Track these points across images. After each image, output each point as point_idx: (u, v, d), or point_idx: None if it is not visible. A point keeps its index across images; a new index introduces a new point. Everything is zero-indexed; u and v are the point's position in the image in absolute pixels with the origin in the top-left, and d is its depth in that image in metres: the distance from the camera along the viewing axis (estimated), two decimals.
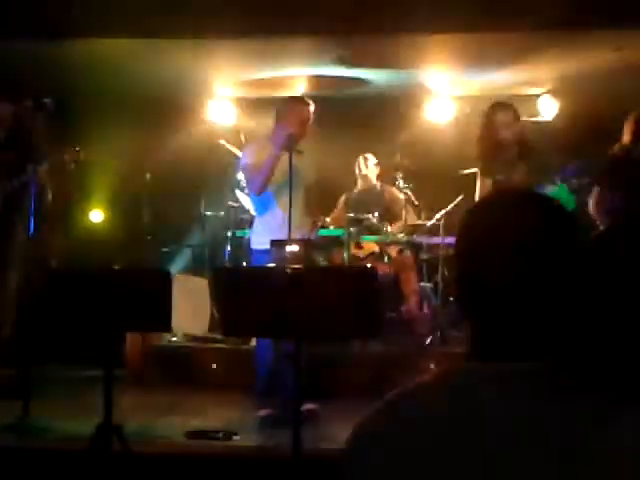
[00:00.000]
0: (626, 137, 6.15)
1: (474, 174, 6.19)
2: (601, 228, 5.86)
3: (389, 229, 7.88)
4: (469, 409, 1.24)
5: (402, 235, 7.90)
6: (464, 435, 1.22)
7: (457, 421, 1.24)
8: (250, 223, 7.99)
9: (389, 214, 8.09)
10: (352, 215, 7.83)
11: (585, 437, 1.15)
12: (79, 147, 6.39)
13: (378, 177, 8.48)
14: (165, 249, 8.81)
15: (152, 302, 4.09)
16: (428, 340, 7.42)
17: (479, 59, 7.76)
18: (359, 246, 7.87)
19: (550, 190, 5.68)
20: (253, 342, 7.27)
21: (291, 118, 6.00)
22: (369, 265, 7.27)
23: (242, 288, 4.00)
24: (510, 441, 1.19)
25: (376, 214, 7.88)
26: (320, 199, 6.77)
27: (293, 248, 6.49)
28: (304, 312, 3.81)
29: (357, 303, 3.77)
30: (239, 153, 8.15)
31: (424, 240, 7.97)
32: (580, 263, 1.28)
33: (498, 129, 5.86)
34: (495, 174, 5.92)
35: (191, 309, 7.35)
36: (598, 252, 1.33)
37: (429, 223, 7.87)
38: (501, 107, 5.92)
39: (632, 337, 1.30)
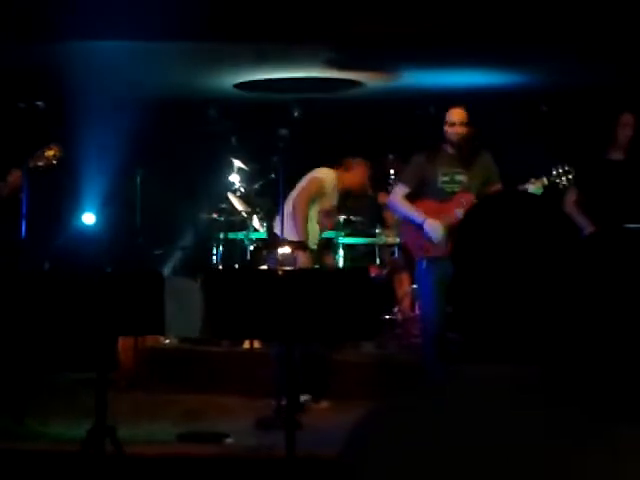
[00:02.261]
0: (626, 134, 6.26)
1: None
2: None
3: (380, 231, 7.89)
4: (467, 412, 1.24)
5: (394, 237, 7.91)
6: (461, 439, 1.23)
7: (455, 424, 1.24)
8: (242, 225, 8.01)
9: (382, 218, 8.10)
10: (344, 217, 7.82)
11: (566, 450, 1.16)
12: (64, 147, 6.38)
13: (368, 179, 8.48)
14: (157, 251, 8.80)
15: (145, 305, 4.09)
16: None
17: None
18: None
19: (533, 188, 5.76)
20: (246, 344, 7.27)
21: None
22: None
23: (234, 290, 4.00)
24: (507, 446, 1.19)
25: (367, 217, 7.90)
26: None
27: (285, 250, 6.50)
28: (296, 314, 3.81)
29: (350, 305, 3.78)
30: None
31: None
32: (579, 268, 1.28)
33: (446, 129, 5.96)
34: (417, 181, 6.05)
35: (183, 311, 7.32)
36: (594, 257, 1.33)
37: None
38: (451, 108, 6.00)
39: (624, 353, 1.31)
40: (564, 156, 6.16)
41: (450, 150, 5.96)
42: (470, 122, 5.93)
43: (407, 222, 6.11)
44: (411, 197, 6.05)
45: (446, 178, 5.94)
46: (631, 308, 1.33)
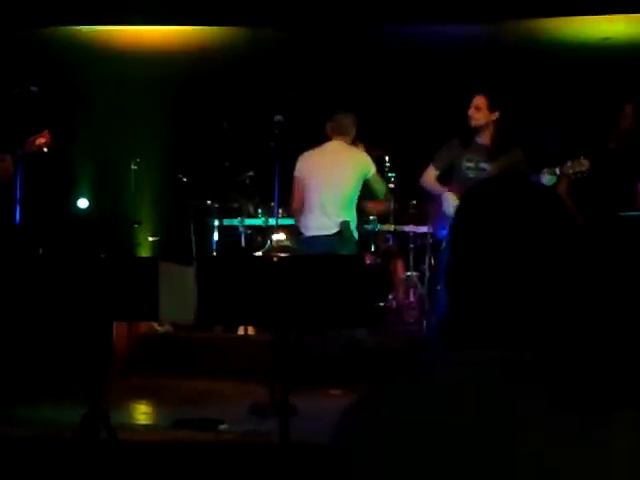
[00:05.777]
0: (625, 124, 6.28)
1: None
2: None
3: (374, 218, 7.88)
4: (459, 397, 1.24)
5: (389, 224, 7.91)
6: (451, 423, 1.22)
7: (446, 408, 1.24)
8: (238, 212, 8.01)
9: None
10: None
11: (567, 438, 1.16)
12: (59, 132, 6.37)
13: None
14: (152, 237, 8.79)
15: (139, 291, 4.08)
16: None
17: None
18: None
19: (545, 179, 5.78)
20: (240, 331, 7.28)
21: None
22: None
23: (228, 276, 3.99)
24: (500, 431, 1.19)
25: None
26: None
27: (280, 236, 6.50)
28: (291, 301, 3.81)
29: (345, 292, 3.78)
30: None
31: (411, 229, 7.97)
32: (574, 255, 1.28)
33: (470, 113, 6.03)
34: (446, 164, 6.18)
35: (177, 297, 7.31)
36: (590, 245, 1.33)
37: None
38: (476, 95, 6.06)
39: (621, 340, 1.31)
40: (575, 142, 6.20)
41: (479, 138, 6.02)
42: (492, 108, 5.97)
43: (434, 205, 6.23)
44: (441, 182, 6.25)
45: (470, 164, 6.02)
46: (626, 294, 1.33)
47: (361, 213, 7.43)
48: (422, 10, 7.49)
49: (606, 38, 8.05)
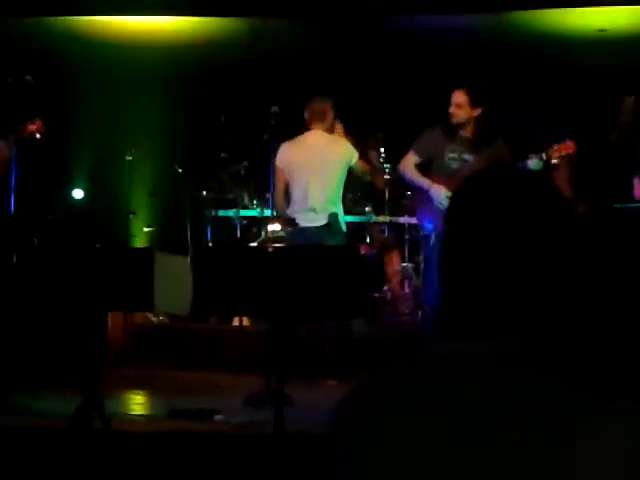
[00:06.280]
0: (625, 117, 6.27)
1: None
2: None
3: (370, 209, 7.88)
4: (452, 387, 1.24)
5: (384, 215, 7.92)
6: (444, 413, 1.23)
7: (439, 399, 1.24)
8: (234, 203, 8.02)
9: (370, 195, 8.08)
10: None
11: (567, 426, 1.16)
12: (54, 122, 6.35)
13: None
14: (148, 228, 8.79)
15: (134, 281, 4.08)
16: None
17: None
18: None
19: (533, 164, 5.75)
20: (235, 322, 7.28)
21: None
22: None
23: (224, 267, 3.99)
24: (492, 421, 1.19)
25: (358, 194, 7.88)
26: None
27: (275, 227, 6.50)
28: (286, 291, 3.81)
29: (340, 283, 3.78)
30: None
31: (406, 220, 7.97)
32: (567, 245, 1.28)
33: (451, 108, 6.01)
34: (428, 152, 6.12)
35: (173, 288, 7.30)
36: (584, 236, 1.33)
37: None
38: (457, 89, 6.03)
39: (612, 330, 1.30)
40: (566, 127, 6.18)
41: (462, 131, 5.99)
42: (474, 105, 5.94)
43: (423, 196, 6.18)
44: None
45: (454, 154, 5.98)
46: (618, 285, 1.33)
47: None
48: (420, 1, 7.47)
49: (602, 30, 8.05)
